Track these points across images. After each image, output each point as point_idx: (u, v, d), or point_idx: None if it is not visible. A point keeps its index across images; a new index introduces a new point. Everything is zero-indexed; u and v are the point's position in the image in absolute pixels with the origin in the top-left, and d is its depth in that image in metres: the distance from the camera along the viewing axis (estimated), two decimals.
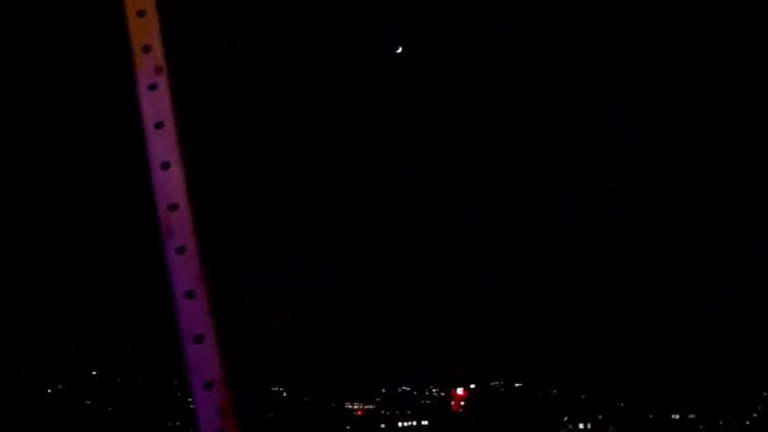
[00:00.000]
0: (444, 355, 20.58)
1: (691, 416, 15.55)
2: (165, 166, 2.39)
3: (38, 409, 17.40)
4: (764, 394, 15.16)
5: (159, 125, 2.47)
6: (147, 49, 2.49)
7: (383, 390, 19.45)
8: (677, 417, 15.59)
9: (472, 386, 19.18)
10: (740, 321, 17.35)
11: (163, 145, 2.44)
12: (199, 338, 2.12)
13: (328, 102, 18.63)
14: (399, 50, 17.63)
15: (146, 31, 2.49)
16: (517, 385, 19.36)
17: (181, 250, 2.16)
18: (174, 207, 2.26)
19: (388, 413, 18.33)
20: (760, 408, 15.08)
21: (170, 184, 2.32)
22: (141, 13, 2.49)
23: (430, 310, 21.65)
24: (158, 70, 2.47)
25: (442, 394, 19.02)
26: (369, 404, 18.62)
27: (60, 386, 18.29)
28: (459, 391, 18.43)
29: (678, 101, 16.68)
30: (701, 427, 15.09)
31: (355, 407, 18.53)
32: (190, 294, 2.11)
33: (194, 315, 2.11)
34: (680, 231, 18.74)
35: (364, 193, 21.51)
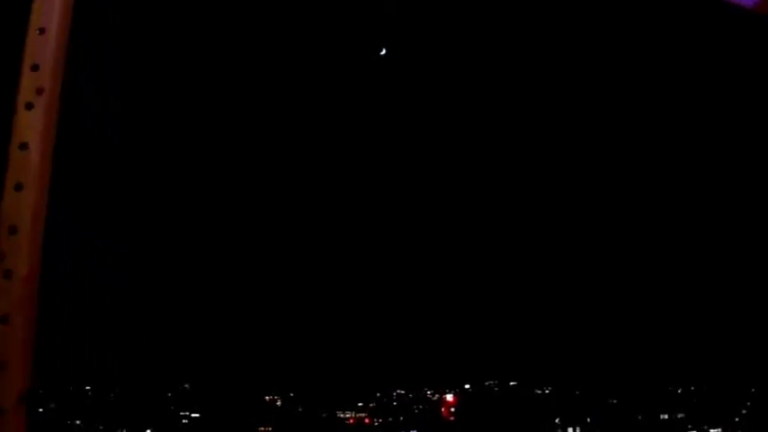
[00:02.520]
0: (439, 356, 20.52)
1: (680, 415, 15.43)
2: (18, 187, 2.32)
3: None
4: (752, 391, 15.05)
5: (24, 146, 2.40)
6: (35, 67, 2.40)
7: (378, 394, 19.38)
8: (666, 417, 15.46)
9: (467, 386, 19.11)
10: (728, 322, 17.29)
11: (22, 166, 2.37)
12: (2, 365, 2.05)
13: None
14: (383, 52, 17.58)
15: (40, 50, 2.40)
16: (512, 384, 19.32)
17: (7, 274, 2.10)
18: (13, 230, 2.19)
19: (380, 420, 18.23)
20: (749, 404, 14.96)
21: (17, 206, 2.25)
22: (42, 31, 2.39)
23: (425, 310, 21.59)
24: (39, 91, 2.39)
25: (437, 396, 18.92)
26: (361, 412, 18.53)
27: None
28: (450, 397, 18.28)
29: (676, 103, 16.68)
30: (689, 426, 14.95)
31: (347, 415, 18.43)
32: (3, 320, 2.04)
33: (2, 341, 2.04)
34: (675, 232, 18.70)
35: (358, 198, 21.47)
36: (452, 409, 18.12)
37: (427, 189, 21.45)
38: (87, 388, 20.63)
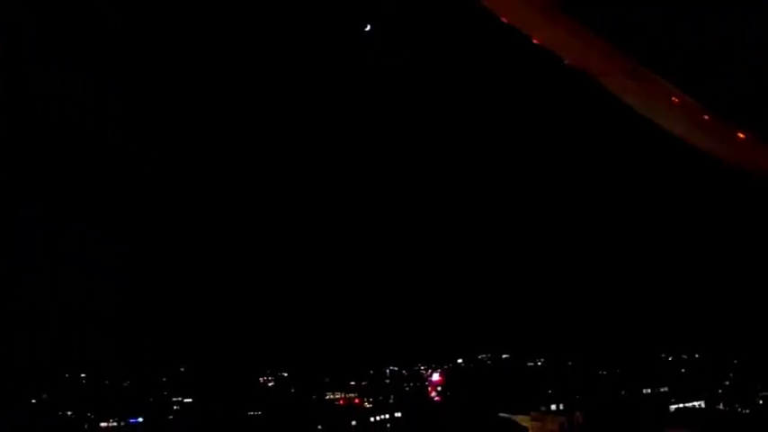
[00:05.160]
0: (430, 333, 20.51)
1: (663, 389, 15.36)
2: None
3: None
4: (735, 361, 14.96)
5: None
6: None
7: (371, 371, 19.41)
8: (648, 391, 15.40)
9: (459, 360, 19.16)
10: (712, 296, 17.22)
11: None
12: None
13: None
14: (367, 28, 17.33)
15: None
16: (504, 356, 19.37)
17: None
18: None
19: (371, 399, 18.23)
20: (732, 375, 14.88)
21: None
22: None
23: (416, 287, 21.56)
24: None
25: (429, 372, 18.94)
26: (351, 393, 18.52)
27: None
28: (436, 376, 18.29)
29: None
30: (672, 400, 14.88)
31: (337, 396, 18.43)
32: None
33: None
34: (658, 214, 18.59)
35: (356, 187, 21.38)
36: (439, 389, 18.14)
37: (415, 175, 21.37)
38: (82, 376, 20.67)
